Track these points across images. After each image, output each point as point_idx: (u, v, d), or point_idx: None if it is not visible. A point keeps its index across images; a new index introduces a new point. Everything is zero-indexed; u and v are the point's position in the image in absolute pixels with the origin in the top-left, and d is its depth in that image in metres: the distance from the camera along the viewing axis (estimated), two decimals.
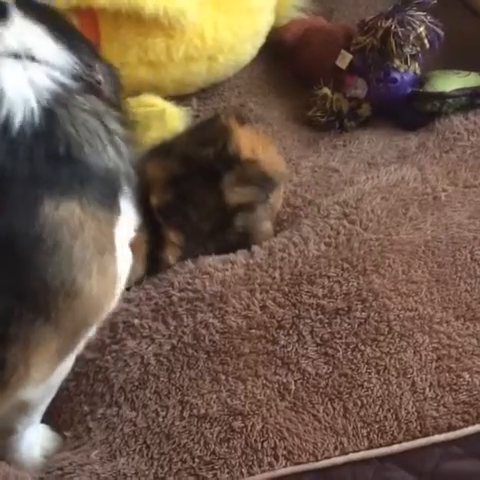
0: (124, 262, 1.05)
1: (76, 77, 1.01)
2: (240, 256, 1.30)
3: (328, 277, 1.26)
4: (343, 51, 1.71)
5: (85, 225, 0.97)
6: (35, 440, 1.16)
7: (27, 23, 1.00)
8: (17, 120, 0.94)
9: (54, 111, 0.96)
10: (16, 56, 0.97)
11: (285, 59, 1.83)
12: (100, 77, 1.05)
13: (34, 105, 0.95)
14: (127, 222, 1.06)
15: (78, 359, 1.16)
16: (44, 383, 1.05)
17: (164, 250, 1.31)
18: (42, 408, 1.13)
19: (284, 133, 1.68)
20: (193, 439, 1.11)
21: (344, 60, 1.70)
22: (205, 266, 1.28)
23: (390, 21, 1.62)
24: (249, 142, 1.39)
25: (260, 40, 1.79)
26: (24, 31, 0.99)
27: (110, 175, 1.01)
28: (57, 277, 0.95)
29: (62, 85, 0.98)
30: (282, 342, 1.20)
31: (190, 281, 1.26)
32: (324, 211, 1.39)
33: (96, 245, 0.98)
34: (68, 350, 1.04)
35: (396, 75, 1.66)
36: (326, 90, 1.70)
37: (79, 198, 0.96)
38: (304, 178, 1.54)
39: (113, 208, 1.02)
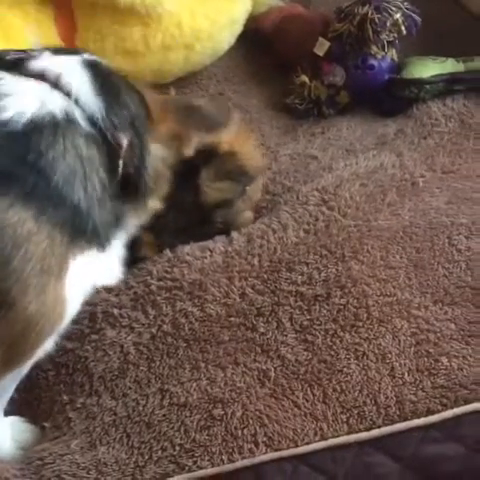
0: (76, 290, 1.04)
1: (94, 124, 1.06)
2: (218, 243, 1.30)
3: (307, 264, 1.26)
4: (321, 38, 1.70)
5: (34, 238, 0.96)
6: (3, 437, 1.15)
7: (79, 67, 1.09)
8: (7, 117, 0.98)
9: (43, 130, 1.00)
10: (45, 78, 1.05)
11: (263, 47, 1.83)
12: (124, 142, 1.07)
13: (29, 114, 1.00)
14: (99, 260, 1.07)
15: (58, 349, 1.17)
16: None
17: (141, 250, 1.30)
18: None
19: (263, 121, 1.68)
20: (173, 427, 1.11)
21: (322, 47, 1.70)
22: (183, 254, 1.27)
23: (367, 7, 1.62)
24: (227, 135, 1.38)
25: (238, 28, 1.79)
26: (67, 65, 1.08)
27: (79, 213, 1.01)
28: None
29: (71, 120, 1.03)
30: (261, 329, 1.20)
31: (168, 270, 1.25)
32: (303, 198, 1.39)
33: (41, 263, 0.97)
34: (13, 362, 1.03)
35: (373, 62, 1.66)
36: (304, 78, 1.69)
37: (37, 211, 0.96)
38: (283, 166, 1.54)
39: (77, 239, 1.01)
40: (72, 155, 1.01)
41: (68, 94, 1.05)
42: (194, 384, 1.15)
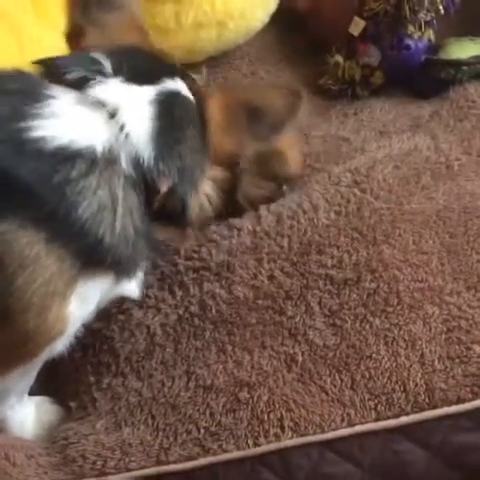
0: (81, 309, 1.02)
1: (136, 169, 1.00)
2: (246, 222, 1.26)
3: (337, 247, 1.24)
4: (356, 18, 1.67)
5: (41, 262, 0.93)
6: (26, 417, 1.15)
7: (146, 103, 1.02)
8: (41, 135, 0.94)
9: (76, 159, 0.95)
10: (102, 108, 1.00)
11: (297, 26, 1.80)
12: (163, 189, 1.03)
13: (65, 140, 0.95)
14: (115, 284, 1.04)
15: (84, 329, 1.16)
16: (1, 379, 1.04)
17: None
18: (14, 395, 1.12)
19: None
20: (199, 410, 1.10)
21: (357, 27, 1.66)
22: (210, 233, 1.24)
23: None
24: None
25: (271, 6, 1.76)
26: (133, 99, 1.02)
27: (101, 246, 0.98)
28: None
29: (112, 158, 0.98)
30: (289, 313, 1.18)
31: (196, 249, 1.23)
32: (335, 178, 1.36)
33: (47, 286, 0.95)
34: (15, 363, 1.02)
35: (410, 42, 1.62)
36: (338, 58, 1.66)
37: (50, 236, 0.93)
38: (314, 148, 1.51)
39: (92, 267, 0.99)
40: (105, 192, 0.97)
41: (121, 130, 0.99)
42: (220, 367, 1.14)
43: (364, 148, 1.47)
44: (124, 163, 1.00)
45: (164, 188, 1.05)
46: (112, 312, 1.21)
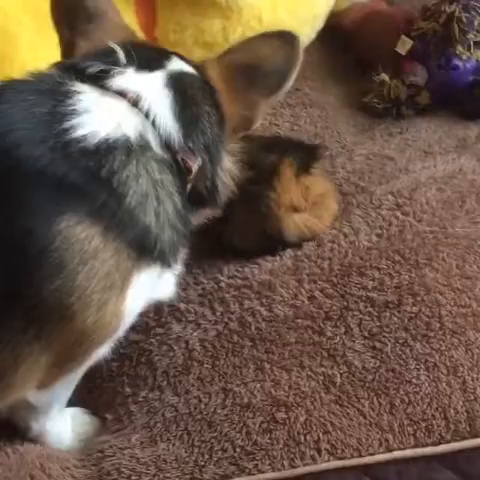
0: (135, 305, 1.03)
1: (168, 148, 1.03)
2: (288, 248, 1.28)
3: (379, 269, 1.23)
4: (403, 37, 1.67)
5: (100, 255, 0.95)
6: (63, 428, 1.16)
7: (161, 87, 1.05)
8: (82, 133, 0.96)
9: (115, 151, 0.98)
10: (125, 97, 1.02)
11: (343, 44, 1.80)
12: (194, 167, 1.05)
13: (103, 134, 0.97)
14: (160, 276, 1.05)
15: (123, 340, 1.16)
16: (46, 390, 1.04)
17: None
18: (56, 407, 1.12)
19: (339, 119, 1.65)
20: (235, 428, 1.09)
21: (404, 46, 1.66)
22: (253, 257, 1.26)
23: (454, 6, 1.58)
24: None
25: (318, 23, 1.76)
26: (149, 85, 1.04)
27: (149, 234, 1.00)
28: (54, 296, 0.93)
29: (145, 143, 1.01)
30: (329, 333, 1.17)
31: (239, 269, 1.24)
32: (376, 201, 1.36)
33: (105, 280, 0.96)
34: (64, 367, 1.03)
35: (458, 62, 1.61)
36: (384, 76, 1.66)
37: (105, 228, 0.95)
38: (358, 165, 1.51)
39: (144, 257, 0.99)
40: (145, 179, 0.99)
41: (146, 116, 1.02)
42: (258, 385, 1.13)
43: (408, 168, 1.46)
44: (155, 147, 1.02)
45: (195, 167, 1.05)
46: (151, 325, 1.22)
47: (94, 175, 0.96)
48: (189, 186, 1.06)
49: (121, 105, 1.01)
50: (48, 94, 0.99)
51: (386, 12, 1.81)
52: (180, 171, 1.04)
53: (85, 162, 0.95)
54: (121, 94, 1.02)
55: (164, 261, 1.03)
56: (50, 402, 1.10)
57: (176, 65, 1.09)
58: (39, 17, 1.42)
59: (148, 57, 1.08)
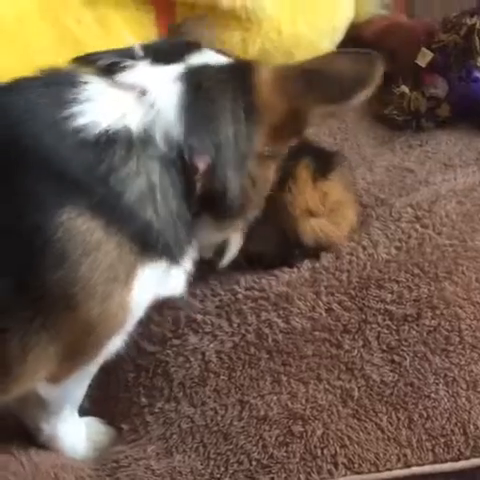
0: (141, 298, 1.02)
1: (171, 147, 0.99)
2: (306, 260, 1.27)
3: (397, 282, 1.22)
4: (423, 49, 1.66)
5: (102, 247, 0.95)
6: (78, 437, 1.15)
7: (172, 80, 1.02)
8: (81, 123, 0.96)
9: (115, 145, 0.96)
10: (132, 89, 1.00)
11: None
12: (201, 166, 1.01)
13: (104, 125, 0.96)
14: (167, 272, 1.04)
15: (139, 351, 1.16)
16: (57, 384, 1.04)
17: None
18: (68, 407, 1.12)
19: (359, 130, 1.65)
20: (251, 441, 1.08)
21: (424, 58, 1.66)
22: (271, 268, 1.25)
23: (475, 18, 1.58)
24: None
25: (338, 36, 1.76)
26: (160, 77, 1.01)
27: (150, 229, 0.99)
28: (59, 285, 0.94)
29: (147, 138, 0.98)
30: (347, 346, 1.16)
31: (256, 280, 1.24)
32: (396, 214, 1.35)
33: (109, 271, 0.96)
34: (76, 360, 1.02)
35: (479, 74, 1.60)
36: (404, 88, 1.65)
37: (106, 222, 0.95)
38: (378, 177, 1.50)
39: (148, 251, 0.99)
40: (144, 178, 0.97)
41: (151, 110, 0.99)
42: (274, 398, 1.12)
43: (428, 180, 1.46)
44: (159, 142, 0.99)
45: (202, 166, 1.01)
46: (167, 336, 1.21)
47: (93, 170, 0.95)
48: (199, 186, 1.02)
49: (128, 97, 1.00)
50: (55, 85, 0.99)
51: (406, 24, 1.81)
52: (185, 169, 1.01)
53: (84, 154, 0.95)
54: (129, 87, 1.00)
55: (170, 257, 1.02)
56: (62, 399, 1.09)
57: (200, 58, 1.05)
58: (57, 26, 1.44)
59: (168, 49, 1.06)
